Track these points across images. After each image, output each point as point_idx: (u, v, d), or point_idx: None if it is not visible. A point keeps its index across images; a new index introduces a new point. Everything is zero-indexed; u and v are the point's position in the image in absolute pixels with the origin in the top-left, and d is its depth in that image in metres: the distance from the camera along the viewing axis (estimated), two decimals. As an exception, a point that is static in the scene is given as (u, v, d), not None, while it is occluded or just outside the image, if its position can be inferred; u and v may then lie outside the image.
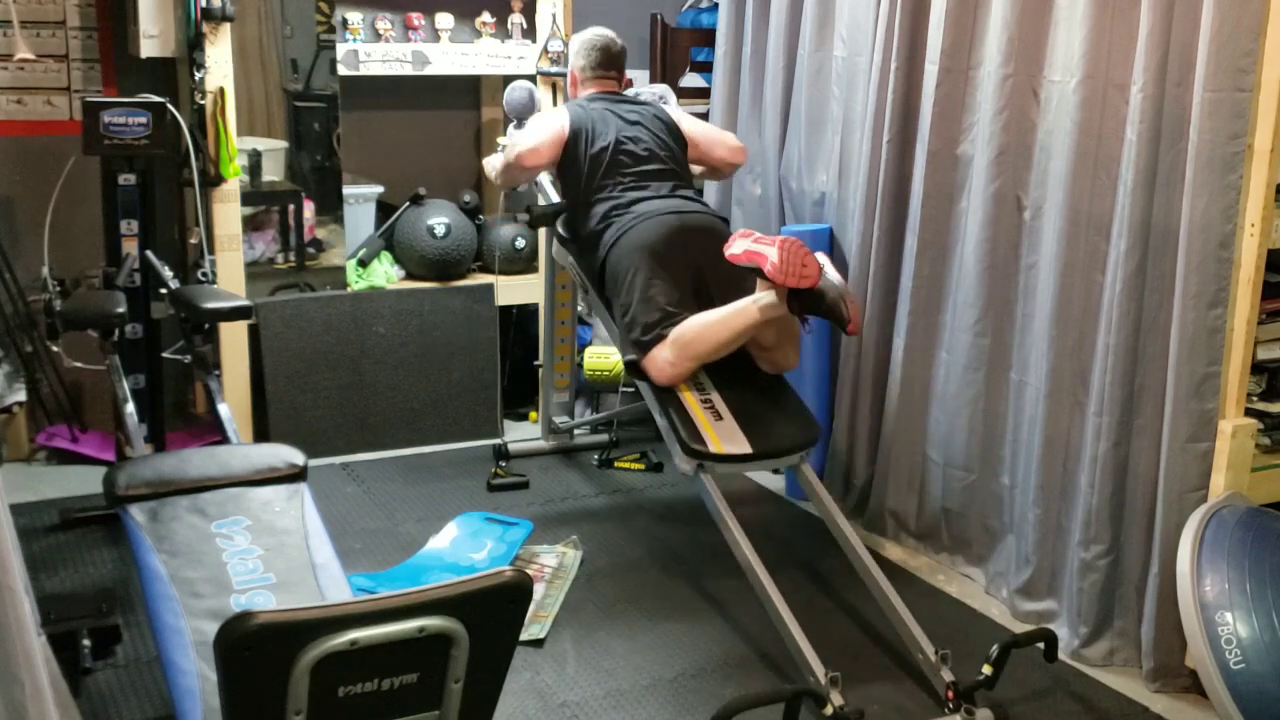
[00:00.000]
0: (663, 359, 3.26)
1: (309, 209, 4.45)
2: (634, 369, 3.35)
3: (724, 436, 3.17)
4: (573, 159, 3.65)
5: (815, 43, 4.09)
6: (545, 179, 4.10)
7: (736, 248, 3.20)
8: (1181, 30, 2.85)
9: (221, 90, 3.98)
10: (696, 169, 3.92)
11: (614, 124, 3.66)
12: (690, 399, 3.26)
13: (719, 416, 3.23)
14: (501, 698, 2.13)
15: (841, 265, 3.95)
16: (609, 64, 3.88)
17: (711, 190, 4.54)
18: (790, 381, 3.46)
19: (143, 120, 3.45)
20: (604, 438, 4.41)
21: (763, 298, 3.17)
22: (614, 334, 3.54)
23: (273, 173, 4.40)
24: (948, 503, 3.59)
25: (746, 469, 3.23)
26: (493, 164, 3.99)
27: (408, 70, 4.42)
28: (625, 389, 4.47)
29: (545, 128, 3.73)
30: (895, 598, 2.98)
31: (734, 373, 3.33)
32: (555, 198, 4.01)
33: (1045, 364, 3.20)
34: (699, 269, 3.38)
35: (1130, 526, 3.05)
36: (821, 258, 3.14)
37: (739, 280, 3.25)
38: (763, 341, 3.32)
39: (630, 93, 4.46)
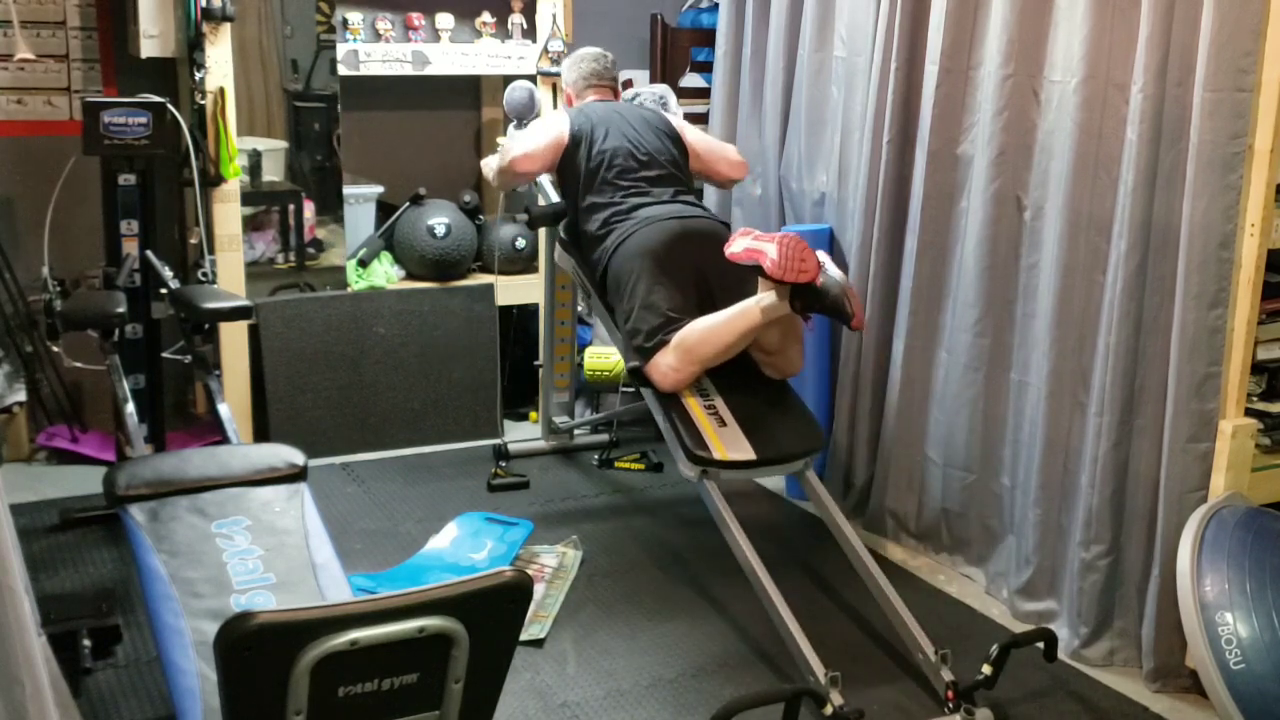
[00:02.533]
0: (666, 364, 3.25)
1: (309, 209, 4.45)
2: (637, 375, 3.33)
3: (728, 443, 3.15)
4: (573, 164, 3.65)
5: (815, 43, 4.09)
6: (545, 179, 4.10)
7: (736, 246, 3.19)
8: (1181, 30, 2.85)
9: (221, 90, 3.98)
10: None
11: (615, 128, 3.66)
12: (694, 405, 3.24)
13: (723, 423, 3.20)
14: (501, 698, 2.13)
15: (842, 265, 3.95)
16: (601, 74, 3.93)
17: (711, 191, 4.54)
18: (791, 383, 3.45)
19: (143, 120, 3.45)
20: (604, 438, 4.41)
21: (765, 298, 3.16)
22: (616, 340, 3.53)
23: (273, 173, 4.40)
24: (948, 503, 3.59)
25: (750, 475, 3.22)
26: (490, 165, 3.98)
27: (408, 70, 4.42)
28: (625, 389, 4.47)
29: (543, 131, 3.74)
30: (895, 598, 2.98)
31: (738, 379, 3.31)
32: (555, 198, 4.01)
33: (1046, 364, 3.20)
34: (702, 274, 3.37)
35: (1130, 527, 3.05)
36: (822, 255, 3.13)
37: (742, 285, 3.23)
38: (766, 345, 3.31)
39: (629, 94, 4.47)
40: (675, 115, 4.09)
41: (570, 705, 2.85)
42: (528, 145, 3.70)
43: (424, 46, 4.43)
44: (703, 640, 3.15)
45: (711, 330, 3.22)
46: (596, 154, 3.61)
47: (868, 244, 3.78)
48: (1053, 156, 3.18)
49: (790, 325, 3.27)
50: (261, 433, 4.21)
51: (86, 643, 2.89)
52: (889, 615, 3.00)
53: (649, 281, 3.33)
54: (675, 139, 3.76)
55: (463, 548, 3.55)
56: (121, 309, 3.16)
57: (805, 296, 3.10)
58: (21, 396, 3.90)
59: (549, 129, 3.73)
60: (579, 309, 4.50)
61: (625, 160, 3.61)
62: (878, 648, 3.11)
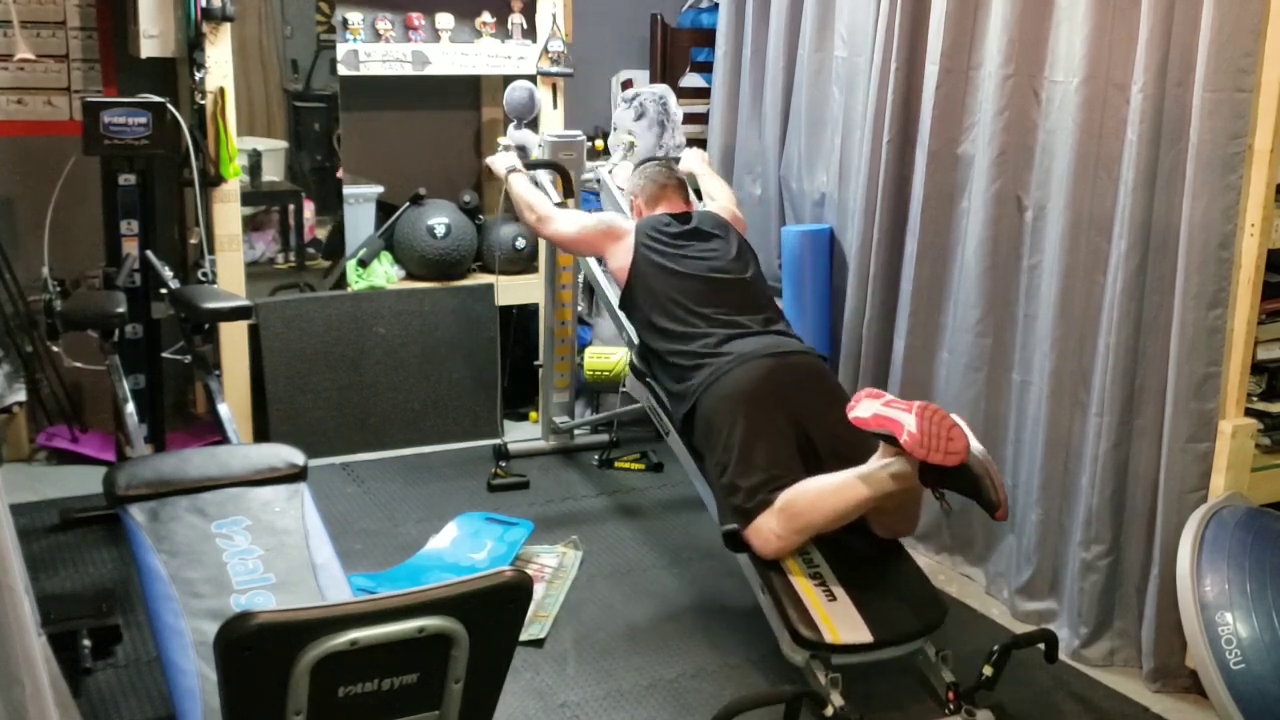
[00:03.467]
0: (769, 529, 2.84)
1: (309, 209, 4.45)
2: (734, 540, 2.92)
3: (839, 621, 2.76)
4: (645, 287, 3.34)
5: (815, 43, 4.09)
6: (546, 179, 4.10)
7: (864, 410, 2.77)
8: (1182, 30, 2.85)
9: (221, 90, 3.98)
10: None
11: (692, 249, 3.38)
12: (799, 576, 2.84)
13: (832, 597, 2.81)
14: (501, 698, 2.13)
15: (841, 265, 3.95)
16: (669, 175, 3.68)
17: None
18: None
19: (143, 120, 3.45)
20: (604, 438, 4.41)
21: (892, 464, 2.75)
22: (705, 493, 3.20)
23: (273, 173, 4.40)
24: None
25: (865, 659, 2.77)
26: (496, 164, 3.97)
27: (408, 70, 4.42)
28: (625, 389, 4.47)
29: (597, 224, 3.57)
30: (896, 598, 2.97)
31: (846, 541, 2.92)
32: (556, 197, 4.02)
33: (1047, 364, 3.20)
34: (802, 422, 2.99)
35: (1131, 527, 3.05)
36: (962, 424, 2.71)
37: (850, 436, 2.85)
38: (881, 506, 2.85)
39: (629, 94, 4.47)
40: (678, 118, 4.08)
41: (570, 705, 2.85)
42: (574, 227, 3.59)
43: (424, 46, 4.43)
44: (703, 640, 3.15)
45: (824, 496, 2.81)
46: (672, 278, 3.30)
47: (868, 244, 3.77)
48: (1053, 156, 3.18)
49: (914, 490, 2.83)
50: (261, 433, 4.21)
51: (86, 643, 2.89)
52: (889, 615, 2.99)
53: (745, 431, 2.94)
54: (743, 243, 3.47)
55: (463, 548, 3.54)
56: (121, 309, 3.16)
57: (942, 473, 2.70)
58: (21, 396, 3.89)
59: (605, 230, 3.52)
60: (579, 309, 4.50)
61: (706, 285, 3.29)
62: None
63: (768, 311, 3.32)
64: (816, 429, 2.99)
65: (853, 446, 2.87)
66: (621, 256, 3.42)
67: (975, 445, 2.74)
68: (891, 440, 2.71)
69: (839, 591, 2.83)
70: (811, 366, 3.16)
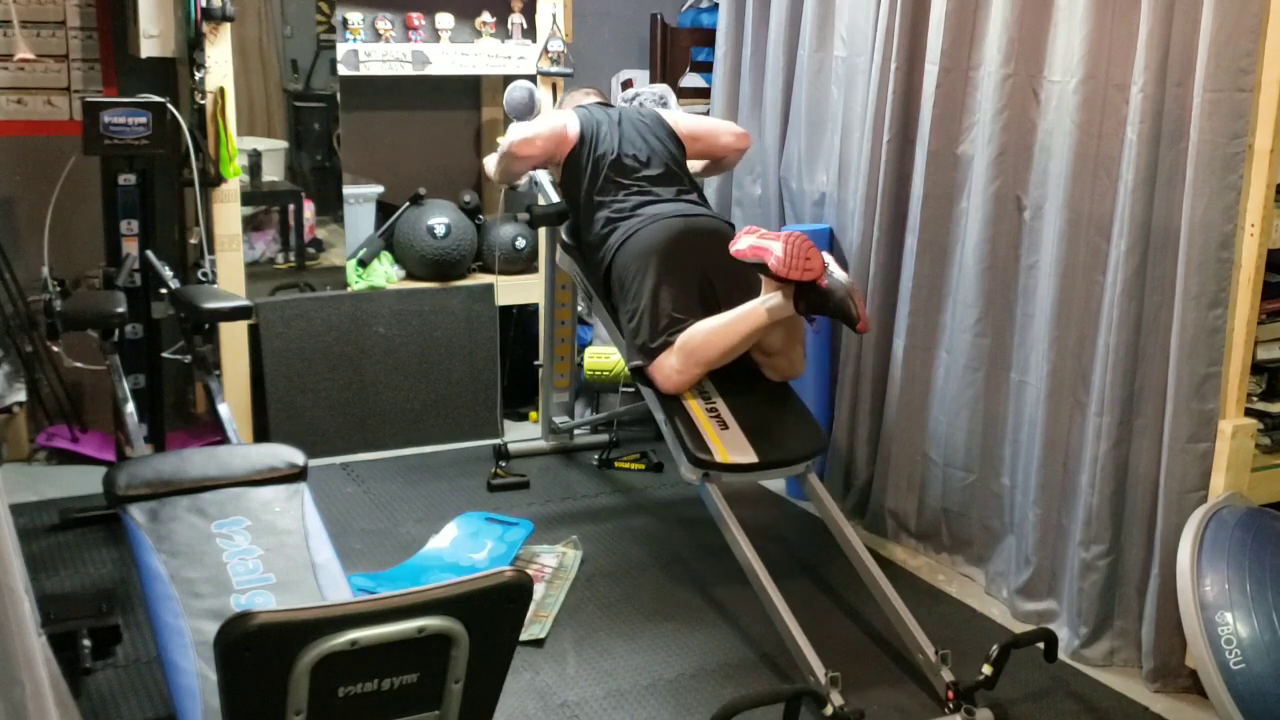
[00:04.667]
0: (669, 366, 3.25)
1: (309, 209, 4.45)
2: (640, 375, 3.34)
3: (730, 446, 3.16)
4: (577, 163, 3.65)
5: (815, 43, 4.09)
6: (545, 179, 4.10)
7: (741, 243, 3.18)
8: (1181, 30, 2.85)
9: (221, 90, 3.98)
10: (699, 164, 3.93)
11: (616, 128, 3.69)
12: (696, 407, 3.25)
13: (724, 425, 3.21)
14: (501, 698, 2.13)
15: (842, 265, 3.94)
16: (589, 88, 4.07)
17: (712, 191, 4.54)
18: (791, 382, 3.45)
19: (143, 120, 3.45)
20: (604, 438, 4.41)
21: (770, 299, 3.15)
22: (618, 340, 3.53)
23: (273, 173, 4.40)
24: (948, 503, 3.59)
25: (752, 478, 3.22)
26: (491, 162, 3.98)
27: (408, 70, 4.42)
28: (625, 389, 4.47)
29: (545, 121, 3.76)
30: (895, 598, 2.98)
31: (740, 381, 3.32)
32: (555, 198, 4.01)
33: (1045, 364, 3.20)
34: (705, 274, 3.36)
35: (1130, 526, 3.05)
36: (827, 256, 3.13)
37: (746, 285, 3.23)
38: (768, 347, 3.30)
39: (629, 93, 4.48)
40: (669, 109, 4.11)
41: (570, 705, 2.85)
42: (528, 130, 3.71)
43: (424, 46, 4.43)
44: (703, 640, 3.15)
45: (716, 332, 3.21)
46: (599, 153, 3.62)
47: (868, 244, 3.78)
48: (1052, 156, 3.18)
49: (793, 327, 3.27)
50: (261, 433, 4.22)
51: (86, 643, 2.89)
52: (889, 615, 3.00)
53: (653, 281, 3.32)
54: (672, 136, 3.77)
55: (463, 548, 3.54)
56: (121, 309, 3.16)
57: (810, 297, 3.09)
58: (21, 396, 3.87)
59: (553, 120, 3.75)
60: (579, 309, 4.50)
61: (627, 159, 3.62)
62: (878, 648, 3.11)
63: (681, 185, 3.65)
64: (717, 280, 3.35)
65: (748, 295, 3.21)
66: (572, 130, 3.68)
67: (840, 274, 3.10)
68: (764, 270, 3.08)
69: (731, 421, 3.23)
70: (714, 225, 3.52)
